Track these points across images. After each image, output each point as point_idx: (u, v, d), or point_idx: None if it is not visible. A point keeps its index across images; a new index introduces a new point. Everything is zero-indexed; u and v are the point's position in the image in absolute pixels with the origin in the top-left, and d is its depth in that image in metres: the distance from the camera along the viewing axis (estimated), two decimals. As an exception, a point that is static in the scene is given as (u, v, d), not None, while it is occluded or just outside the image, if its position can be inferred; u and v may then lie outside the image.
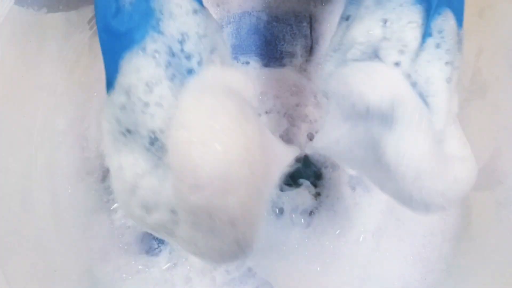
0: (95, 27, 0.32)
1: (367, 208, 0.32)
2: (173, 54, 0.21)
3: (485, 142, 0.31)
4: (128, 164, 0.21)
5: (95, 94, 0.33)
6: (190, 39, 0.21)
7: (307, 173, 0.32)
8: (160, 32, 0.20)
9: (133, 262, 0.32)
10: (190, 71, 0.21)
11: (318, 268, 0.31)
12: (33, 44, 0.28)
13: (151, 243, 0.32)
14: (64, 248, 0.31)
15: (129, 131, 0.20)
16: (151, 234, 0.32)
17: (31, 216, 0.29)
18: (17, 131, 0.28)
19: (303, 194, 0.32)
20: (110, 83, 0.21)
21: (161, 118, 0.20)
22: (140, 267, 0.32)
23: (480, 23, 0.30)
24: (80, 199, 0.32)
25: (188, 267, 0.32)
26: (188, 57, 0.21)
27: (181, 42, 0.21)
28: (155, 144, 0.20)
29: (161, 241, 0.32)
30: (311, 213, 0.32)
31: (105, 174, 0.33)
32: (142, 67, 0.20)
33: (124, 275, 0.31)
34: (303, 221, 0.32)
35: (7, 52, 0.27)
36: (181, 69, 0.21)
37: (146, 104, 0.20)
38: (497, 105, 0.30)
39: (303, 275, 0.31)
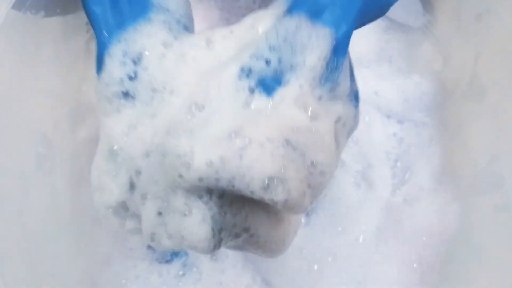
0: (92, 31, 0.32)
1: (368, 206, 0.32)
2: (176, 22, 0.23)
3: (483, 147, 0.31)
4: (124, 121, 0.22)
5: (92, 97, 0.33)
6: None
7: None
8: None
9: (133, 268, 0.32)
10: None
11: (316, 267, 0.31)
12: (31, 48, 0.28)
13: (164, 253, 0.32)
14: (63, 252, 0.31)
15: (132, 95, 0.22)
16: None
17: (28, 219, 0.29)
18: (14, 134, 0.28)
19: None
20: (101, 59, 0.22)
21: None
22: (140, 273, 0.32)
23: (478, 27, 0.30)
24: (80, 202, 0.32)
25: (197, 276, 0.32)
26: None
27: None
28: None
29: (174, 253, 0.32)
30: (308, 213, 0.32)
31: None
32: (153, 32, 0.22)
33: (123, 281, 0.31)
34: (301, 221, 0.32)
35: (4, 56, 0.27)
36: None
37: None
38: (495, 109, 0.30)
39: (300, 273, 0.31)
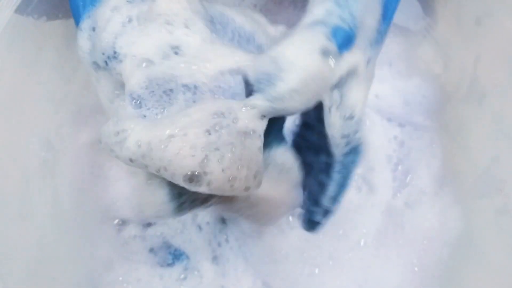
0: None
1: (369, 209, 0.32)
2: None
3: (484, 150, 0.31)
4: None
5: (94, 101, 0.33)
6: None
7: None
8: None
9: (134, 271, 0.32)
10: None
11: (316, 271, 0.31)
12: (33, 52, 0.28)
13: (165, 257, 0.32)
14: (65, 255, 0.31)
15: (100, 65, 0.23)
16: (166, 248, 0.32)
17: (30, 222, 0.29)
18: (17, 138, 0.29)
19: (300, 198, 0.32)
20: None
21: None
22: (141, 276, 0.32)
23: (477, 31, 0.30)
24: (83, 206, 0.32)
25: (198, 279, 0.32)
26: None
27: None
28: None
29: (176, 257, 0.32)
30: None
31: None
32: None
33: (125, 284, 0.32)
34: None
35: (6, 60, 0.27)
36: None
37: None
38: (496, 112, 0.30)
39: (301, 277, 0.31)
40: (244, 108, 0.20)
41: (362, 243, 0.32)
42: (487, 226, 0.30)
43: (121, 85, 0.22)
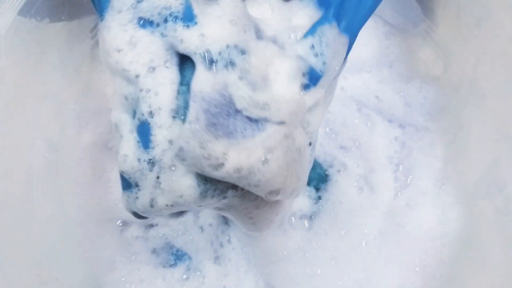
0: (96, 37, 0.32)
1: (371, 210, 0.33)
2: None
3: (484, 151, 0.31)
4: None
5: (97, 102, 0.33)
6: None
7: (310, 176, 0.31)
8: None
9: (137, 272, 0.32)
10: None
11: (318, 271, 0.31)
12: (36, 53, 0.29)
13: (168, 258, 0.32)
14: (67, 255, 0.31)
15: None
16: (167, 248, 0.33)
17: (34, 223, 0.29)
18: (19, 140, 0.29)
19: (302, 198, 0.32)
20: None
21: None
22: (144, 277, 0.32)
23: (477, 33, 0.30)
24: (85, 207, 0.32)
25: (201, 280, 0.32)
26: None
27: None
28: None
29: (178, 257, 0.32)
30: (310, 217, 0.32)
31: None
32: None
33: (127, 285, 0.32)
34: (303, 225, 0.32)
35: (10, 61, 0.27)
36: None
37: None
38: (496, 114, 0.30)
39: (303, 277, 0.31)
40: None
41: (363, 244, 0.32)
42: (487, 227, 0.30)
43: (173, 51, 0.20)
